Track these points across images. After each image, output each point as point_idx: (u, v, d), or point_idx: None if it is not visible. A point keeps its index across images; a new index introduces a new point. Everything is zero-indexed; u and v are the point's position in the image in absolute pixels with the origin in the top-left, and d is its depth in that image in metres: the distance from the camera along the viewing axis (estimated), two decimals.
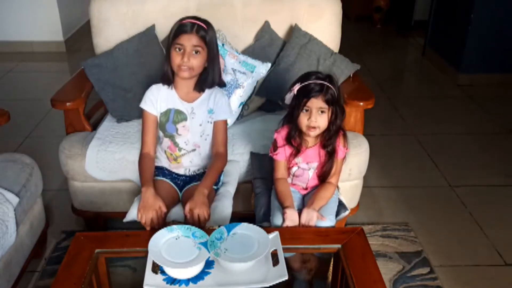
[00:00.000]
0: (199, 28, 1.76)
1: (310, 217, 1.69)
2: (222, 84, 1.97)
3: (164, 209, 1.72)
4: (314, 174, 1.84)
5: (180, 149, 1.91)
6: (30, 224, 1.99)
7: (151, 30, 2.36)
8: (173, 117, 1.88)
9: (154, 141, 1.92)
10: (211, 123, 1.90)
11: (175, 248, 1.48)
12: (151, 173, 1.86)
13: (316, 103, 1.67)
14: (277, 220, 1.75)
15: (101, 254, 1.56)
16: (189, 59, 1.75)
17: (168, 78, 1.86)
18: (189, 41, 1.74)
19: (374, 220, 2.45)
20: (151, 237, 1.49)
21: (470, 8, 3.88)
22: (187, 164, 1.94)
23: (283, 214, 1.71)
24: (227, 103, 1.93)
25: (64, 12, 4.84)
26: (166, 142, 1.92)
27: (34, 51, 4.84)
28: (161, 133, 1.93)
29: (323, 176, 1.83)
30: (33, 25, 4.77)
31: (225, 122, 1.94)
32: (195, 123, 1.88)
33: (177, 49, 1.76)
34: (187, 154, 1.92)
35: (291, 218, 1.69)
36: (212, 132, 1.91)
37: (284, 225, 1.69)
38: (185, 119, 1.88)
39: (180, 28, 1.75)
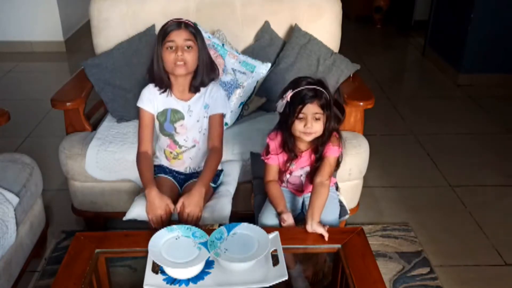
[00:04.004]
0: (186, 24, 1.78)
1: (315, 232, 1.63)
2: (216, 76, 1.94)
3: (172, 206, 1.74)
4: (308, 180, 1.82)
5: (180, 146, 1.92)
6: (30, 224, 1.99)
7: (151, 30, 2.36)
8: (170, 116, 1.88)
9: (152, 139, 1.92)
10: (207, 117, 1.90)
11: (175, 248, 1.48)
12: (151, 172, 1.86)
13: (312, 108, 1.64)
14: (265, 220, 1.76)
15: (101, 254, 1.56)
16: (182, 52, 1.75)
17: (163, 84, 1.85)
18: (180, 36, 1.76)
19: (374, 220, 2.45)
20: (151, 237, 1.49)
21: (470, 8, 3.88)
22: (188, 162, 1.94)
23: (279, 219, 1.71)
24: (222, 97, 1.91)
25: (64, 12, 4.84)
26: (166, 140, 1.92)
27: (34, 51, 4.84)
28: (159, 132, 1.93)
29: (312, 176, 1.79)
30: (33, 25, 4.77)
31: (221, 116, 1.91)
32: (192, 120, 1.89)
33: (169, 48, 1.76)
34: (188, 150, 1.92)
35: (289, 223, 1.69)
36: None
37: None
38: (182, 118, 1.88)
39: (168, 28, 1.77)
